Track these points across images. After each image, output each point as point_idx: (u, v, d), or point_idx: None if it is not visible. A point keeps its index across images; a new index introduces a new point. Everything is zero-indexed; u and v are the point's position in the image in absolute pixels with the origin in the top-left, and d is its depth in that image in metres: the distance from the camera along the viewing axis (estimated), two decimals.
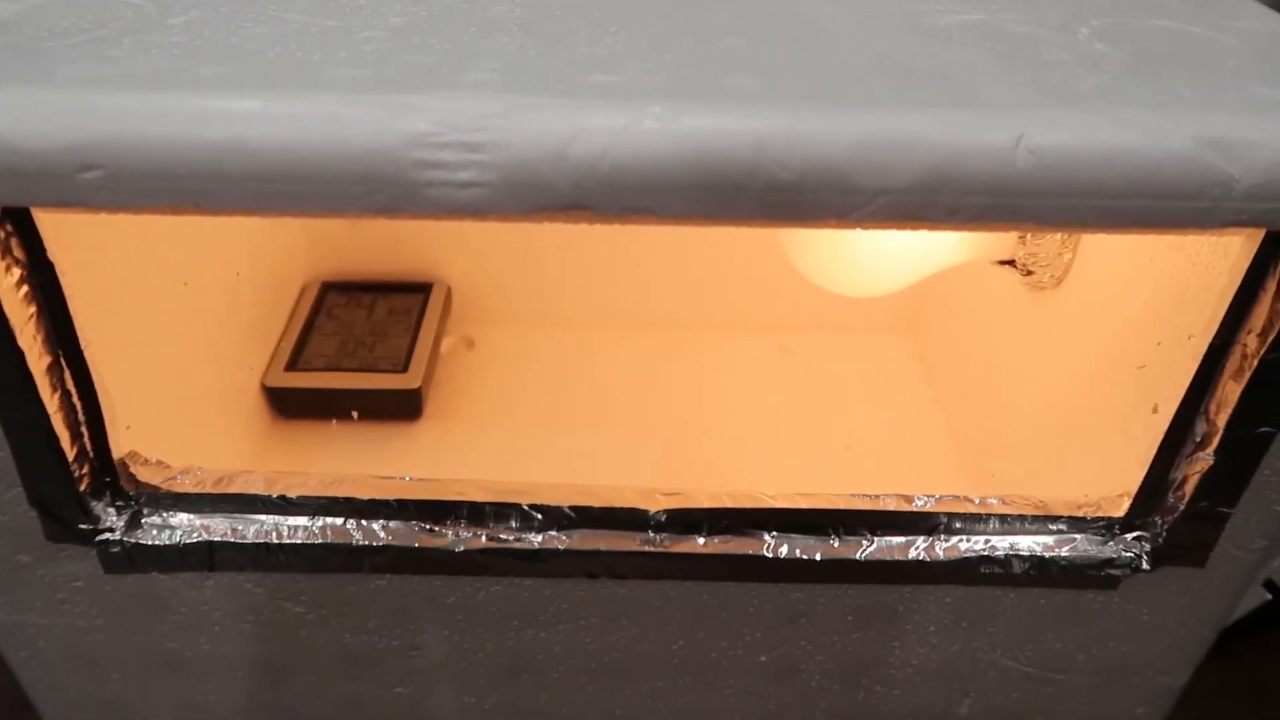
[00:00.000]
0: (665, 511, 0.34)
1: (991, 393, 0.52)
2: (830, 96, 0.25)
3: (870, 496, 0.35)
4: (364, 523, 0.34)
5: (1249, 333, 0.29)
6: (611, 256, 0.63)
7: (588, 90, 0.25)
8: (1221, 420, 0.30)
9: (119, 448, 0.33)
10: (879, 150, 0.24)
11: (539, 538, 0.33)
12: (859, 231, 0.46)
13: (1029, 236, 0.46)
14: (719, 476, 0.53)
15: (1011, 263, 0.48)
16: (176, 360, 0.43)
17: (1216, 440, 0.31)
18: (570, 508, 0.34)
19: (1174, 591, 0.35)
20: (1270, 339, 0.28)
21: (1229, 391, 0.30)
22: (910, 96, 0.25)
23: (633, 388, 0.60)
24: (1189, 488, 0.32)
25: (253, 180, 0.24)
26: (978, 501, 0.35)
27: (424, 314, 0.61)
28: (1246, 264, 0.28)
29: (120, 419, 0.32)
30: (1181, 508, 0.32)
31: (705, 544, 0.34)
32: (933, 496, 0.35)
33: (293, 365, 0.57)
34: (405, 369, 0.57)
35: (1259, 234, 0.28)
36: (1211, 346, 0.30)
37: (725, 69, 0.26)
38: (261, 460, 0.55)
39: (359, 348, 0.59)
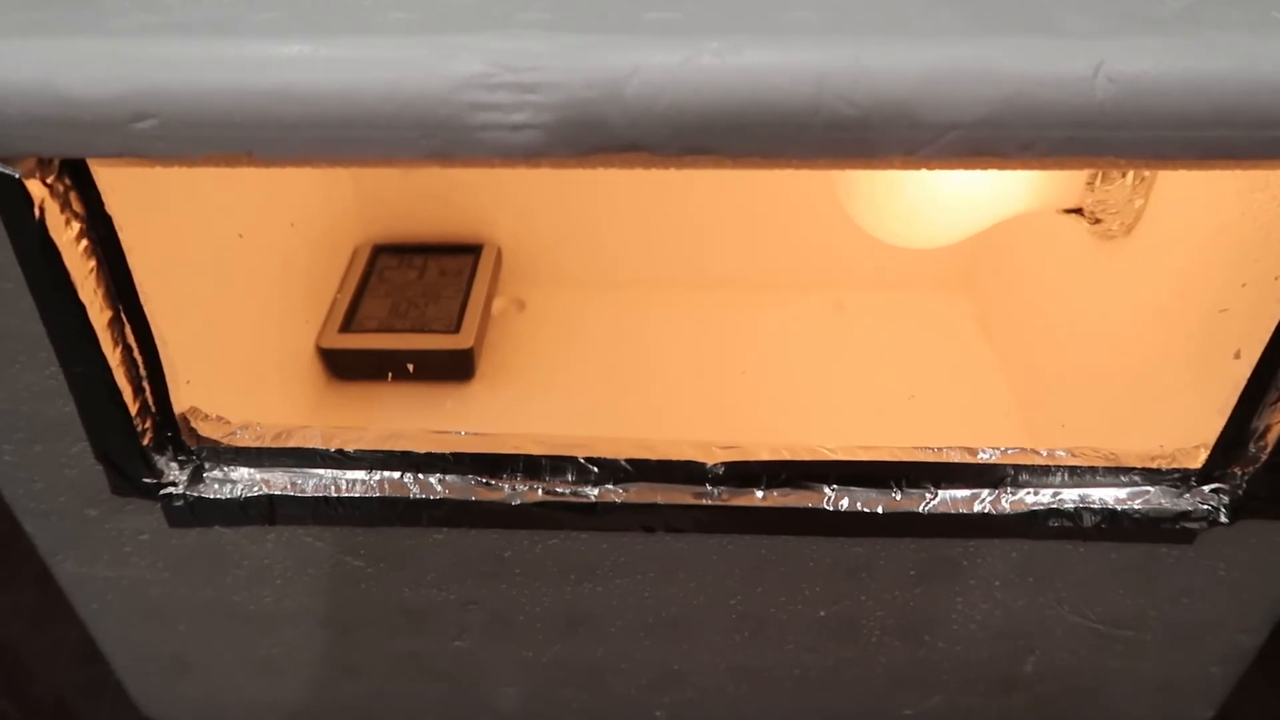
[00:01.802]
0: (723, 464, 0.33)
1: (1056, 346, 0.50)
2: (895, 27, 0.24)
3: (933, 449, 0.34)
4: (421, 476, 0.34)
5: None
6: (662, 215, 0.62)
7: (643, 27, 0.24)
8: None
9: (180, 403, 0.33)
10: (948, 82, 0.23)
11: (595, 491, 0.33)
12: (919, 179, 0.45)
13: (1098, 183, 0.44)
14: (775, 432, 0.52)
15: (1079, 211, 0.46)
16: (233, 318, 0.44)
17: None
18: (627, 461, 0.33)
19: (1253, 545, 0.34)
20: None
21: None
22: (980, 25, 0.24)
23: (686, 347, 0.60)
24: (1272, 437, 0.31)
25: (305, 126, 0.24)
26: (1045, 454, 0.34)
27: (475, 275, 0.61)
28: None
29: (180, 374, 0.33)
30: (1264, 458, 0.31)
31: (764, 497, 0.33)
32: (998, 449, 0.34)
33: (346, 327, 0.57)
34: (458, 329, 0.57)
35: None
36: None
37: (785, 1, 0.25)
38: (317, 420, 0.55)
39: (411, 309, 0.59)
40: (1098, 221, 0.45)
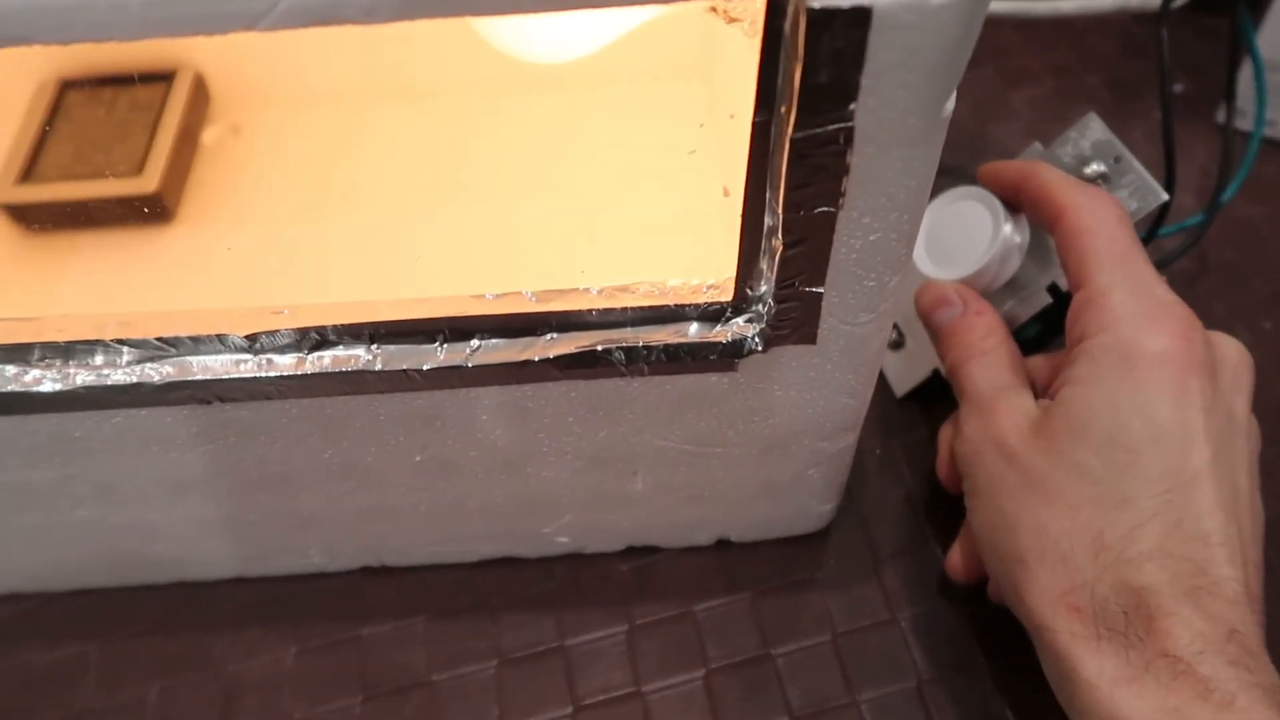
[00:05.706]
0: (263, 333, 0.33)
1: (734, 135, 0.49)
2: None
3: (486, 296, 0.34)
4: None
5: (783, 109, 0.26)
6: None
7: None
8: (780, 203, 0.28)
9: None
10: None
11: (127, 373, 0.33)
12: None
13: None
14: (493, 260, 0.50)
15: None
16: None
17: (782, 223, 0.29)
18: (158, 339, 0.33)
19: (796, 368, 0.34)
20: (795, 115, 0.26)
21: (780, 173, 0.28)
22: None
23: (410, 163, 0.57)
24: (776, 272, 0.31)
25: None
26: (597, 291, 0.34)
27: (165, 107, 0.57)
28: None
29: None
30: (775, 291, 0.31)
31: (297, 363, 0.33)
32: (545, 291, 0.33)
33: (26, 177, 0.54)
34: (140, 171, 0.54)
35: None
36: (756, 125, 0.27)
37: None
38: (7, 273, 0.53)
39: (96, 151, 0.55)
40: (734, 20, 0.43)
